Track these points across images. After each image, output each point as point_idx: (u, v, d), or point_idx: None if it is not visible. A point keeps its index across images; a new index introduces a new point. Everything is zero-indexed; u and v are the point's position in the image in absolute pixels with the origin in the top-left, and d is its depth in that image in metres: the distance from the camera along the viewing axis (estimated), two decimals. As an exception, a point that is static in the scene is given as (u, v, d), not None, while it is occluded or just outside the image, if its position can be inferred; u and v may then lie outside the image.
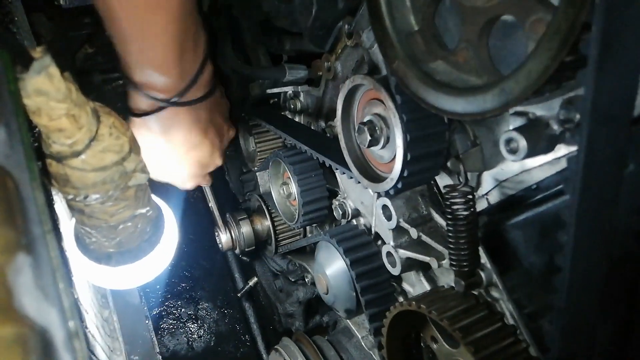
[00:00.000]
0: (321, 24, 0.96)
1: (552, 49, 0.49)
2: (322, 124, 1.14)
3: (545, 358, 0.70)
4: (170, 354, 1.60)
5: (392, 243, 0.89)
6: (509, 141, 0.61)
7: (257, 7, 1.05)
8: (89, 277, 0.78)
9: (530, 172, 0.69)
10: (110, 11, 0.75)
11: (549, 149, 0.62)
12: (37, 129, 0.54)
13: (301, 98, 1.17)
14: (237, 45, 1.25)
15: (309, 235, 1.30)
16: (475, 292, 0.77)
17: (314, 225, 1.24)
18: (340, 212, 1.05)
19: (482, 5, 0.57)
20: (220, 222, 1.33)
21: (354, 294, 0.98)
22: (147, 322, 1.30)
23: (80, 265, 0.75)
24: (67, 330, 0.36)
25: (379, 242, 0.97)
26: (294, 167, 1.09)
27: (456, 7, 0.61)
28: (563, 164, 0.64)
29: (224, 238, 1.33)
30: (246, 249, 1.37)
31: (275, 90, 1.18)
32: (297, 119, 1.19)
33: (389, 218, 0.88)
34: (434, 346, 0.85)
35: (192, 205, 1.62)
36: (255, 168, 1.36)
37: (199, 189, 1.29)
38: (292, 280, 1.47)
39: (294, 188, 1.12)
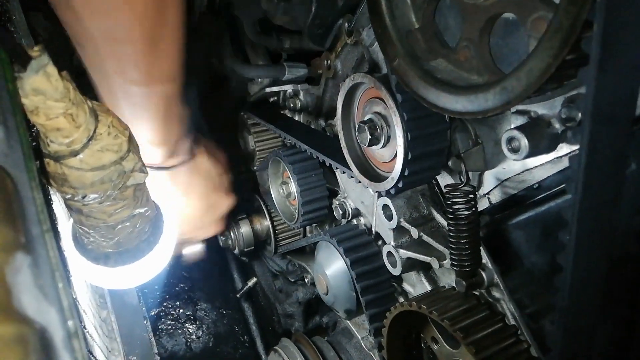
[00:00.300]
0: (321, 22, 0.95)
1: (553, 48, 0.48)
2: (322, 122, 1.14)
3: (547, 358, 0.69)
4: (168, 355, 1.59)
5: (392, 243, 0.89)
6: (510, 140, 0.61)
7: (256, 6, 1.04)
8: (87, 277, 0.78)
9: (531, 171, 0.69)
10: (105, 85, 0.79)
11: (551, 148, 0.61)
12: (35, 128, 0.54)
13: (301, 97, 1.16)
14: (236, 43, 1.25)
15: (309, 235, 1.30)
16: (476, 293, 0.76)
17: (314, 225, 1.24)
18: (341, 212, 1.05)
19: (483, 3, 0.57)
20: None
21: (354, 294, 0.98)
22: (145, 322, 1.29)
23: (78, 265, 0.74)
24: (67, 329, 0.36)
25: (380, 242, 0.96)
26: (293, 166, 1.09)
27: (457, 4, 0.61)
28: (565, 163, 0.64)
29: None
30: (245, 249, 1.37)
31: (275, 88, 1.18)
32: (296, 118, 1.19)
33: (389, 218, 0.88)
34: (435, 347, 0.85)
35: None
36: (255, 167, 1.35)
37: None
38: (292, 280, 1.46)
39: (293, 187, 1.11)
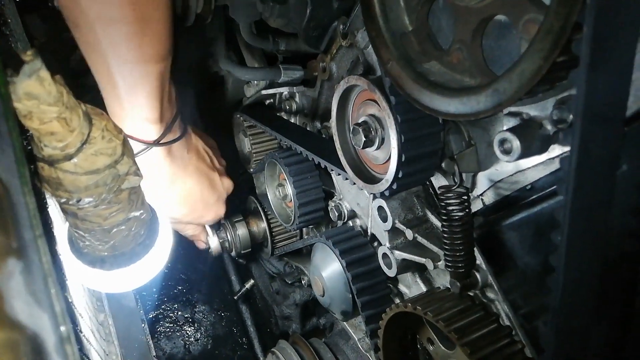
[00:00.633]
0: (316, 25, 0.95)
1: (544, 49, 0.49)
2: (318, 124, 1.14)
3: (541, 359, 0.70)
4: (167, 358, 1.59)
5: (387, 244, 0.89)
6: (502, 142, 0.61)
7: (251, 8, 1.04)
8: (83, 280, 0.78)
9: (524, 172, 0.69)
10: (101, 65, 0.82)
11: (543, 149, 0.62)
12: (28, 133, 0.54)
13: (297, 99, 1.17)
14: (232, 46, 1.25)
15: (305, 237, 1.30)
16: (470, 293, 0.77)
17: (310, 226, 1.24)
18: (337, 214, 1.05)
19: (475, 5, 0.57)
20: (208, 228, 1.32)
21: (350, 295, 0.98)
22: (143, 325, 1.29)
23: (74, 269, 0.74)
24: (59, 335, 0.36)
25: (375, 244, 0.96)
26: (289, 168, 1.09)
27: (449, 7, 0.61)
28: (557, 164, 0.64)
29: (213, 243, 1.32)
30: (242, 251, 1.37)
31: (271, 91, 1.18)
32: (292, 120, 1.19)
33: (384, 219, 0.88)
34: (430, 348, 0.85)
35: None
36: (251, 169, 1.35)
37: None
38: (289, 282, 1.46)
39: (289, 189, 1.12)
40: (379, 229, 0.91)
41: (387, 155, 0.79)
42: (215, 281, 1.67)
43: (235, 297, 1.58)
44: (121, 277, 0.76)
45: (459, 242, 0.71)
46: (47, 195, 0.68)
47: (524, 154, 0.60)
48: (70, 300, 0.81)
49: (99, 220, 0.66)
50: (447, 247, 0.73)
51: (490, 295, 0.76)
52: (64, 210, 0.65)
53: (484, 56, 0.59)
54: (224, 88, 1.37)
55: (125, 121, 0.90)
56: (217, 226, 1.34)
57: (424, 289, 0.90)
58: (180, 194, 1.08)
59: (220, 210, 1.20)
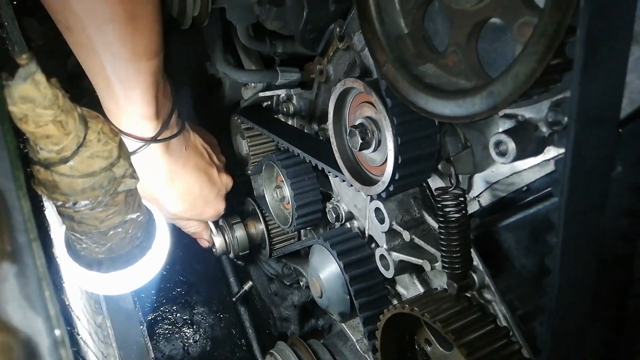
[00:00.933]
0: (312, 27, 0.96)
1: (538, 52, 0.49)
2: (315, 126, 1.14)
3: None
4: (165, 359, 1.59)
5: (385, 246, 0.89)
6: (498, 144, 0.61)
7: (248, 11, 1.05)
8: (80, 283, 0.78)
9: (520, 174, 0.70)
10: (95, 65, 0.82)
11: (538, 151, 0.62)
12: (24, 136, 0.54)
13: (294, 101, 1.17)
14: (229, 48, 1.25)
15: (303, 238, 1.30)
16: (468, 295, 0.77)
17: (308, 228, 1.24)
18: (334, 215, 1.05)
19: (470, 8, 0.58)
20: (212, 226, 1.33)
21: (348, 297, 0.98)
22: (141, 327, 1.29)
23: (71, 272, 0.75)
24: (53, 338, 0.36)
25: (373, 245, 0.97)
26: (287, 170, 1.09)
27: (445, 10, 0.61)
28: (552, 166, 0.64)
29: (217, 241, 1.33)
30: (240, 253, 1.37)
31: (268, 93, 1.18)
32: (290, 122, 1.19)
33: (381, 221, 0.88)
34: (428, 348, 0.85)
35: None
36: (249, 171, 1.35)
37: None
38: (287, 284, 1.46)
39: (287, 191, 1.12)
40: (376, 230, 0.91)
41: (384, 158, 0.79)
42: (213, 283, 1.67)
43: (234, 299, 1.58)
44: (118, 280, 0.76)
45: (455, 243, 0.72)
46: (44, 198, 0.68)
47: (520, 156, 0.60)
48: (67, 302, 0.81)
49: (96, 222, 0.66)
50: (444, 248, 0.73)
51: (487, 296, 0.76)
52: (60, 213, 0.65)
53: (479, 59, 0.59)
54: (222, 90, 1.37)
55: (122, 119, 0.91)
56: (215, 227, 1.34)
57: (421, 290, 0.91)
58: (180, 190, 1.08)
59: (220, 207, 1.20)
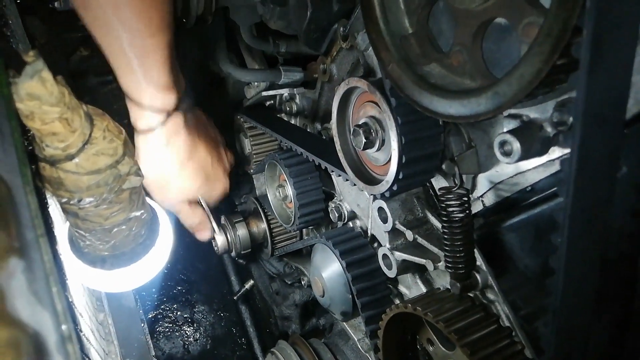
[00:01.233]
0: (316, 27, 0.96)
1: (544, 53, 0.49)
2: (318, 126, 1.14)
3: (540, 360, 0.70)
4: (166, 358, 1.59)
5: (388, 245, 0.90)
6: (503, 144, 0.61)
7: (252, 10, 1.05)
8: (84, 280, 0.78)
9: (524, 174, 0.70)
10: (113, 43, 0.85)
11: (543, 151, 0.62)
12: (30, 133, 0.54)
13: (297, 100, 1.17)
14: (233, 47, 1.25)
15: (305, 237, 1.30)
16: (471, 294, 0.77)
17: (310, 227, 1.24)
18: (337, 215, 1.05)
19: (475, 8, 0.58)
20: (214, 223, 1.32)
21: (350, 296, 0.98)
22: (142, 325, 1.29)
23: (75, 269, 0.75)
24: (60, 333, 0.36)
25: (375, 245, 0.97)
26: (290, 169, 1.09)
27: (450, 10, 0.61)
28: (557, 166, 0.64)
29: (219, 240, 1.33)
30: (242, 252, 1.37)
31: (271, 92, 1.18)
32: (293, 122, 1.19)
33: (384, 220, 0.88)
34: (430, 348, 0.85)
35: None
36: (251, 170, 1.35)
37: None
38: (289, 282, 1.46)
39: (290, 190, 1.12)
40: (379, 230, 0.91)
41: (388, 157, 0.79)
42: (214, 281, 1.67)
43: (235, 298, 1.58)
44: (121, 277, 0.76)
45: (459, 243, 0.72)
46: (48, 195, 0.68)
47: (524, 156, 0.60)
48: (70, 299, 0.81)
49: (100, 220, 0.66)
50: (447, 248, 0.73)
51: (491, 296, 0.76)
52: (64, 210, 0.66)
53: (484, 59, 0.60)
54: (225, 89, 1.37)
55: (143, 94, 0.92)
56: (218, 225, 1.34)
57: (424, 290, 0.91)
58: (195, 165, 1.10)
59: (227, 184, 1.22)
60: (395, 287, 0.97)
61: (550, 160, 0.65)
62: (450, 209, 0.72)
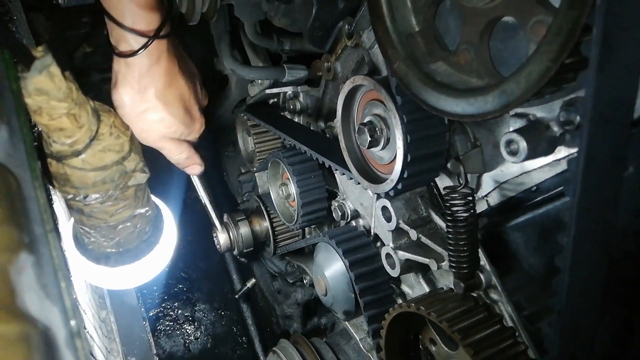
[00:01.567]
0: (321, 24, 0.96)
1: (552, 51, 0.49)
2: (322, 124, 1.14)
3: (545, 360, 0.70)
4: (166, 356, 1.59)
5: (391, 244, 0.89)
6: (509, 143, 0.61)
7: (256, 8, 1.05)
8: (88, 277, 0.78)
9: (530, 173, 0.70)
10: None
11: (549, 150, 0.62)
12: (37, 128, 0.54)
13: (301, 98, 1.17)
14: (237, 45, 1.25)
15: (308, 236, 1.30)
16: (474, 294, 0.77)
17: (313, 226, 1.24)
18: (340, 213, 1.05)
19: (482, 6, 0.58)
20: (217, 221, 1.32)
21: (353, 295, 0.98)
22: (144, 323, 1.30)
23: (79, 265, 0.75)
24: (69, 329, 0.36)
25: (379, 244, 0.97)
26: (293, 167, 1.09)
27: (457, 8, 0.61)
28: (563, 166, 0.64)
29: (222, 238, 1.32)
30: (244, 250, 1.37)
31: (275, 90, 1.18)
32: (296, 120, 1.19)
33: (388, 219, 0.88)
34: (433, 348, 0.85)
35: (189, 206, 1.62)
36: (254, 168, 1.35)
37: (193, 188, 1.27)
38: (291, 281, 1.46)
39: (293, 189, 1.12)
40: (383, 229, 0.91)
41: (392, 155, 0.79)
42: (216, 280, 1.67)
43: (236, 296, 1.58)
44: (126, 274, 0.76)
45: (463, 242, 0.72)
46: (52, 192, 0.68)
47: (531, 155, 0.60)
48: (75, 296, 0.81)
49: (105, 216, 0.66)
50: (451, 247, 0.73)
51: (494, 296, 0.76)
52: (70, 207, 0.66)
53: (491, 57, 0.59)
54: (228, 87, 1.37)
55: (125, 12, 0.88)
56: (220, 223, 1.34)
57: (426, 289, 0.90)
58: (176, 92, 1.02)
59: (202, 120, 1.11)
60: (398, 287, 0.97)
61: (556, 160, 0.65)
62: (455, 209, 0.72)
